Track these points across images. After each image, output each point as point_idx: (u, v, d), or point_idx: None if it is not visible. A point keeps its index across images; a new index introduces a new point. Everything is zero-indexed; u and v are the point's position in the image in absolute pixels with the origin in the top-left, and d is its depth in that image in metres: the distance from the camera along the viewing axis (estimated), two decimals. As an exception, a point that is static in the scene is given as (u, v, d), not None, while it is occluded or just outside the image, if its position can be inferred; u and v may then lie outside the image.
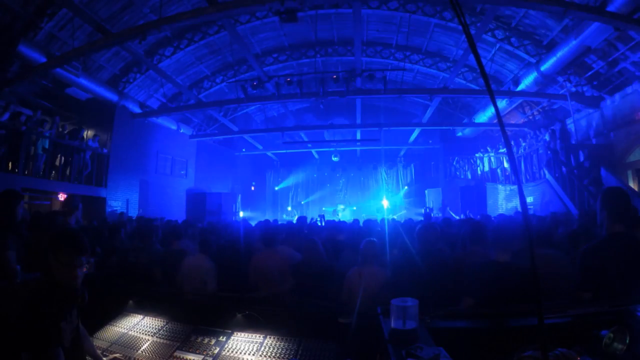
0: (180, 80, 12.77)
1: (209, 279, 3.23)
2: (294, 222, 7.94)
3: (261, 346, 1.86)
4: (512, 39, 10.42)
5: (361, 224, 5.83)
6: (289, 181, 21.98)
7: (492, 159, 14.53)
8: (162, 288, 3.26)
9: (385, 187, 21.21)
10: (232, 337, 1.95)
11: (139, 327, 2.17)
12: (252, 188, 21.06)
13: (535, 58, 10.25)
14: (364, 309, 1.94)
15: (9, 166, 7.99)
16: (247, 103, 12.28)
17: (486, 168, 14.89)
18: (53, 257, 1.59)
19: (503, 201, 12.50)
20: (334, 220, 7.63)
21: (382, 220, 6.16)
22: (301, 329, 1.92)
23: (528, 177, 11.77)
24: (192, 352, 1.88)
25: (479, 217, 7.01)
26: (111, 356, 1.89)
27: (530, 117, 13.69)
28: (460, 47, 11.71)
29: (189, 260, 3.39)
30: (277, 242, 3.73)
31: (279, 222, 8.27)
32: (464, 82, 13.24)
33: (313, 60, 13.00)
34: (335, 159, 19.38)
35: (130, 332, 2.13)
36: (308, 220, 7.43)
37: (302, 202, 20.40)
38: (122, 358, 1.90)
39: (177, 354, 1.89)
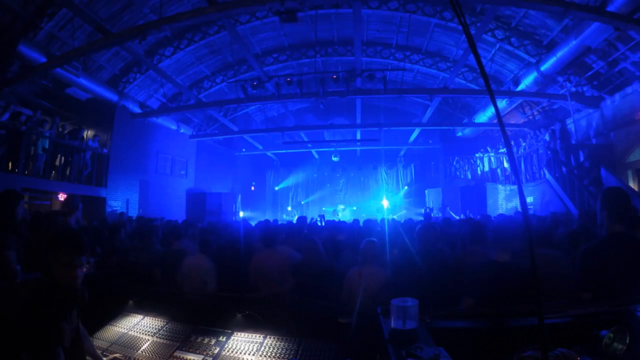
0: (180, 80, 12.77)
1: (209, 279, 3.23)
2: (294, 222, 7.95)
3: (261, 346, 1.86)
4: (512, 39, 10.42)
5: (361, 224, 5.83)
6: (289, 181, 21.98)
7: (492, 159, 14.53)
8: (162, 288, 3.26)
9: (385, 187, 21.20)
10: (232, 337, 1.95)
11: (139, 327, 2.16)
12: (252, 188, 21.06)
13: (535, 58, 10.25)
14: (364, 309, 1.94)
15: (9, 166, 7.99)
16: (247, 103, 12.28)
17: (486, 168, 14.89)
18: (53, 257, 1.59)
19: (503, 201, 12.50)
20: (334, 220, 7.63)
21: (382, 220, 6.16)
22: (301, 329, 1.92)
23: (528, 177, 11.76)
24: (192, 352, 1.88)
25: (479, 217, 7.01)
26: (111, 356, 1.89)
27: (530, 117, 13.69)
28: (460, 47, 11.71)
29: (189, 260, 3.39)
30: (277, 242, 3.73)
31: (279, 222, 8.26)
32: (464, 82, 13.24)
33: (313, 60, 13.00)
34: (335, 159, 19.36)
35: (130, 332, 2.13)
36: (308, 221, 7.43)
37: (302, 202, 20.38)
38: (122, 358, 1.89)
39: (177, 354, 1.88)
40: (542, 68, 9.59)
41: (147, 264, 3.41)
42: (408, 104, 17.21)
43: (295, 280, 3.22)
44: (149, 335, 2.08)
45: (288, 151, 18.54)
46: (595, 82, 10.16)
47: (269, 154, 19.91)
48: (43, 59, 7.85)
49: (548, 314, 1.45)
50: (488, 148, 14.73)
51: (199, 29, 11.20)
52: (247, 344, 1.89)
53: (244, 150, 19.14)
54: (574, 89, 10.55)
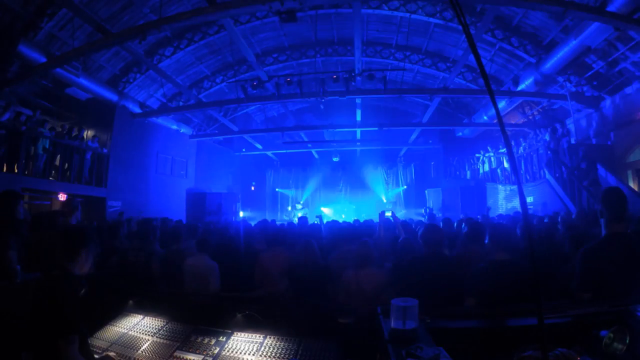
0: (180, 80, 12.78)
1: (212, 279, 3.24)
2: (294, 222, 7.95)
3: (261, 346, 1.86)
4: (512, 39, 10.42)
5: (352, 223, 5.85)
6: (289, 181, 21.98)
7: (492, 159, 14.53)
8: (162, 288, 3.26)
9: (386, 187, 21.20)
10: (232, 337, 1.95)
11: (139, 327, 2.16)
12: (252, 188, 21.06)
13: (535, 58, 10.25)
14: (363, 310, 1.94)
15: (9, 166, 7.99)
16: (247, 103, 12.28)
17: (486, 168, 14.89)
18: (79, 251, 1.76)
19: (503, 201, 12.50)
20: (336, 221, 7.62)
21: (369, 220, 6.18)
22: (301, 329, 1.92)
23: (528, 177, 11.76)
24: (192, 352, 1.88)
25: (479, 217, 7.01)
26: (104, 354, 1.89)
27: (530, 117, 13.69)
28: (460, 47, 11.71)
29: (190, 260, 3.39)
30: (282, 242, 3.74)
31: (278, 223, 8.25)
32: (463, 82, 13.25)
33: (313, 60, 13.01)
34: (336, 159, 19.38)
35: (130, 332, 2.13)
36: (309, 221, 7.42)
37: (301, 202, 20.35)
38: (116, 357, 1.89)
39: (177, 354, 1.88)
40: (542, 68, 9.59)
41: (147, 264, 3.41)
42: (408, 104, 17.22)
43: (290, 281, 3.22)
44: (149, 335, 2.08)
45: (288, 151, 18.54)
46: (595, 82, 10.16)
47: (269, 154, 19.90)
48: (43, 59, 7.85)
49: (548, 314, 1.45)
50: (488, 148, 14.73)
51: (199, 29, 11.20)
52: (247, 344, 1.89)
53: (244, 150, 19.14)
54: (574, 89, 10.56)
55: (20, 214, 3.11)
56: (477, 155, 15.67)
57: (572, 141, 10.16)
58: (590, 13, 6.45)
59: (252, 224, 6.59)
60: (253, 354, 1.82)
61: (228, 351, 1.86)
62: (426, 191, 17.00)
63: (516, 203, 10.96)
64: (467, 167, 16.69)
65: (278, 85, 10.64)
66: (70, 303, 1.59)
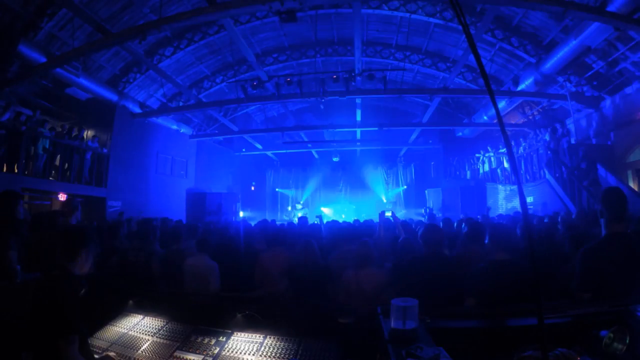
0: (180, 80, 12.78)
1: (212, 279, 3.24)
2: (294, 222, 7.95)
3: (261, 346, 1.86)
4: (512, 39, 10.42)
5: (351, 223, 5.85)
6: (289, 181, 21.98)
7: (492, 159, 14.53)
8: (162, 288, 3.26)
9: (385, 187, 21.20)
10: (232, 337, 1.95)
11: (139, 327, 2.16)
12: (252, 188, 21.06)
13: (535, 58, 10.25)
14: (363, 310, 1.94)
15: (9, 166, 7.99)
16: (247, 103, 12.28)
17: (486, 168, 14.88)
18: (79, 251, 1.76)
19: (503, 201, 12.50)
20: (336, 221, 7.62)
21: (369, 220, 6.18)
22: (301, 329, 1.92)
23: (528, 177, 11.76)
24: (192, 352, 1.88)
25: (479, 217, 7.01)
26: (104, 354, 1.89)
27: (530, 117, 13.69)
28: (460, 47, 11.71)
29: (190, 260, 3.39)
30: (282, 242, 3.74)
31: (278, 223, 8.25)
32: (463, 82, 13.25)
33: (313, 60, 13.01)
34: (336, 159, 19.37)
35: (130, 332, 2.13)
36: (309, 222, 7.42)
37: (301, 202, 20.35)
38: (116, 357, 1.89)
39: (177, 354, 1.88)
40: (542, 68, 9.59)
41: (147, 264, 3.41)
42: (408, 104, 17.22)
43: (290, 281, 3.23)
44: (149, 335, 2.08)
45: (288, 151, 18.54)
46: (595, 82, 10.16)
47: (269, 154, 19.91)
48: (43, 59, 7.85)
49: (548, 314, 1.45)
50: (488, 148, 14.73)
51: (199, 29, 11.20)
52: (247, 344, 1.89)
53: (243, 150, 19.14)
54: (574, 89, 10.56)
55: (20, 214, 3.11)
56: (477, 155, 15.67)
57: (572, 141, 10.16)
58: (590, 13, 6.45)
59: (252, 224, 6.59)
60: (253, 354, 1.82)
61: (228, 351, 1.86)
62: (426, 191, 17.00)
63: (516, 203, 10.96)
64: (467, 167, 16.69)
65: (278, 85, 10.64)
66: (70, 303, 1.59)
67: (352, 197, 20.98)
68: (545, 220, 5.82)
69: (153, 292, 2.72)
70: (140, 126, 12.19)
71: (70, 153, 9.55)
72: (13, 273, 2.65)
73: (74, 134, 10.12)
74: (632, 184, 9.01)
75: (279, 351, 1.81)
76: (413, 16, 10.71)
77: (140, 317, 2.27)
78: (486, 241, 2.42)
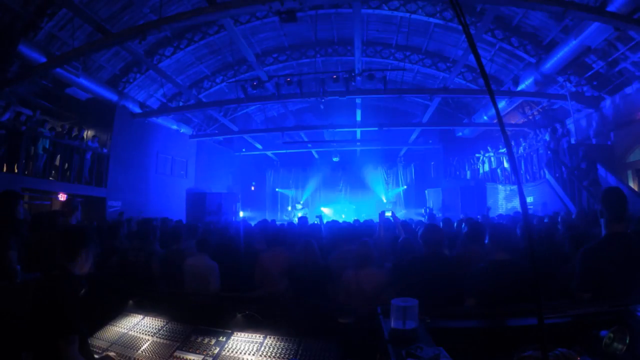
0: (180, 80, 12.78)
1: (212, 279, 3.24)
2: (294, 222, 7.95)
3: (261, 346, 1.86)
4: (512, 39, 10.42)
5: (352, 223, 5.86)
6: (289, 181, 21.98)
7: (492, 159, 14.53)
8: (162, 288, 3.26)
9: (385, 187, 21.21)
10: (232, 337, 1.95)
11: (139, 327, 2.16)
12: (252, 188, 21.06)
13: (535, 58, 10.25)
14: (363, 310, 1.94)
15: (9, 166, 7.99)
16: (247, 103, 12.28)
17: (486, 168, 14.89)
18: (79, 251, 1.76)
19: (503, 201, 12.50)
20: (336, 221, 7.63)
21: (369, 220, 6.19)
22: (301, 329, 1.92)
23: (528, 177, 11.77)
24: (192, 352, 1.88)
25: (479, 217, 7.01)
26: (104, 354, 1.89)
27: (530, 117, 13.69)
28: (460, 47, 11.71)
29: (190, 260, 3.40)
30: (282, 242, 3.74)
31: (278, 223, 8.25)
32: (463, 82, 13.25)
33: (313, 60, 13.01)
34: (336, 159, 19.37)
35: (130, 332, 2.13)
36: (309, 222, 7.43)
37: (301, 202, 20.35)
38: (116, 357, 1.89)
39: (177, 354, 1.88)
40: (542, 68, 9.59)
41: (147, 264, 3.41)
42: (408, 104, 17.22)
43: (290, 281, 3.23)
44: (149, 335, 2.08)
45: (288, 151, 18.54)
46: (595, 82, 10.16)
47: (269, 154, 19.91)
48: (43, 59, 7.85)
49: (548, 314, 1.45)
50: (488, 148, 14.73)
51: (199, 29, 11.20)
52: (247, 344, 1.89)
53: (243, 150, 19.14)
54: (574, 89, 10.56)
55: (20, 214, 3.11)
56: (477, 155, 15.68)
57: (572, 141, 10.16)
58: (590, 13, 6.45)
59: (252, 224, 6.59)
60: (253, 354, 1.82)
61: (228, 351, 1.86)
62: (426, 191, 17.01)
63: (516, 203, 10.96)
64: (467, 167, 16.69)
65: (278, 85, 10.64)
66: (70, 303, 1.59)
67: (352, 197, 20.98)
68: (545, 220, 5.82)
69: (153, 292, 2.72)
70: (140, 126, 12.19)
71: (70, 153, 9.56)
72: (13, 273, 2.65)
73: (74, 134, 10.12)
74: (632, 184, 9.01)
75: (279, 351, 1.81)
76: (413, 16, 10.71)
77: (140, 317, 2.27)
78: (486, 241, 2.42)
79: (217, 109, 13.51)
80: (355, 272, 2.91)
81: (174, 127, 14.02)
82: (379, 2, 10.49)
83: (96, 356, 1.83)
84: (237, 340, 1.93)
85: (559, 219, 5.37)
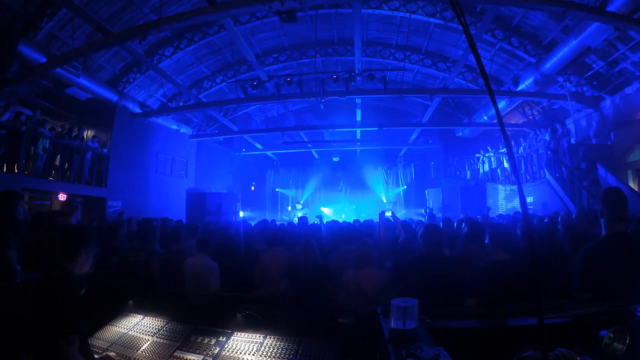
0: (180, 80, 12.78)
1: (212, 279, 3.24)
2: (294, 222, 7.95)
3: (261, 346, 1.86)
4: (512, 39, 10.42)
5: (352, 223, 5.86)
6: (289, 181, 21.99)
7: (492, 159, 14.53)
8: (162, 288, 3.26)
9: (385, 187, 21.21)
10: (232, 337, 1.95)
11: (139, 327, 2.17)
12: (252, 188, 21.06)
13: (535, 58, 10.25)
14: (363, 310, 1.94)
15: (9, 166, 7.99)
16: (247, 103, 12.28)
17: (486, 168, 14.89)
18: (79, 251, 1.76)
19: (503, 201, 12.50)
20: (336, 221, 7.63)
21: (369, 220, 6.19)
22: (301, 329, 1.92)
23: (528, 177, 11.77)
24: (192, 352, 1.89)
25: (479, 217, 7.01)
26: (104, 354, 1.89)
27: (530, 117, 13.69)
28: (460, 47, 11.71)
29: (190, 260, 3.40)
30: (282, 242, 3.74)
31: (278, 223, 8.26)
32: (463, 82, 13.25)
33: (313, 60, 13.01)
34: (336, 159, 19.37)
35: (130, 332, 2.13)
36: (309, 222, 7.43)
37: (301, 202, 20.35)
38: (116, 357, 1.89)
39: (177, 354, 1.89)
40: (542, 68, 9.59)
41: (147, 264, 3.41)
42: (408, 104, 17.22)
43: (290, 281, 3.23)
44: (149, 335, 2.08)
45: (288, 151, 18.54)
46: (595, 82, 10.16)
47: (269, 154, 19.91)
48: (43, 59, 7.85)
49: (548, 314, 1.45)
50: (488, 148, 14.74)
51: (199, 29, 11.20)
52: (247, 344, 1.89)
53: (243, 150, 19.14)
54: (574, 89, 10.56)
55: (20, 214, 3.11)
56: (477, 155, 15.68)
57: (572, 141, 10.16)
58: (590, 13, 6.45)
59: (252, 224, 6.59)
60: (253, 354, 1.82)
61: (228, 351, 1.86)
62: (426, 191, 17.01)
63: (516, 203, 10.96)
64: (467, 167, 16.69)
65: (278, 85, 10.64)
66: (70, 303, 1.59)
67: (352, 197, 20.98)
68: (545, 220, 5.82)
69: (153, 292, 2.72)
70: (140, 126, 12.19)
71: (70, 153, 9.55)
72: (13, 273, 2.65)
73: (74, 134, 10.13)
74: (632, 184, 9.01)
75: (279, 351, 1.81)
76: (413, 16, 10.71)
77: (140, 317, 2.27)
78: (486, 241, 2.42)
79: (217, 109, 13.51)
80: (355, 272, 2.91)
81: (174, 127, 14.02)
82: (379, 2, 10.49)
83: (96, 356, 1.83)
84: (237, 340, 1.93)
85: (559, 219, 5.37)
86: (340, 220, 7.42)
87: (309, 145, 17.99)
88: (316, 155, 20.01)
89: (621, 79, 9.48)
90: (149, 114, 12.21)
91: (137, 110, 11.87)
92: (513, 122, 14.37)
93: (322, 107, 12.02)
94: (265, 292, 3.32)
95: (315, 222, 7.48)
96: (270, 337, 1.91)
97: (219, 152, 18.00)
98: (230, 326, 2.02)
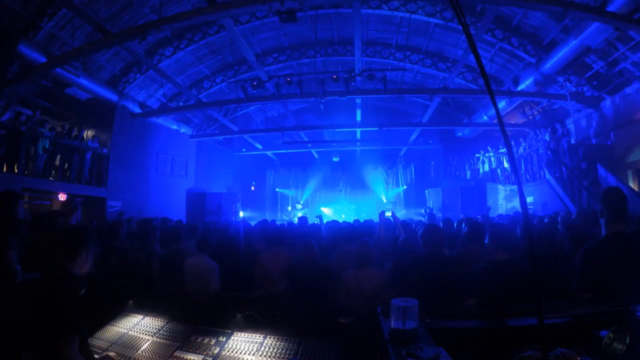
0: (180, 80, 12.78)
1: (212, 279, 3.24)
2: (294, 222, 7.94)
3: (261, 346, 1.86)
4: (512, 39, 10.42)
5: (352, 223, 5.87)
6: (289, 181, 21.99)
7: (492, 159, 14.53)
8: (162, 288, 3.26)
9: (385, 187, 21.21)
10: (232, 337, 1.95)
11: (139, 327, 2.17)
12: (252, 188, 21.06)
13: (535, 58, 10.25)
14: (363, 310, 1.94)
15: (9, 166, 7.99)
16: (247, 103, 12.28)
17: (486, 168, 14.89)
18: (79, 251, 1.76)
19: (503, 201, 12.50)
20: (336, 221, 7.63)
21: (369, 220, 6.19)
22: (301, 329, 1.92)
23: (528, 177, 11.77)
24: (192, 352, 1.89)
25: (479, 217, 7.01)
26: (104, 354, 1.89)
27: (530, 117, 13.69)
28: (460, 47, 11.71)
29: (190, 260, 3.40)
30: (282, 242, 3.74)
31: (278, 223, 8.25)
32: (463, 82, 13.25)
33: (313, 60, 13.01)
34: (336, 159, 19.37)
35: (130, 332, 2.13)
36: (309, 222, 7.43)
37: (301, 202, 20.35)
38: (116, 357, 1.89)
39: (177, 354, 1.89)
40: (542, 68, 9.59)
41: (147, 264, 3.41)
42: (408, 103, 17.22)
43: (289, 281, 3.23)
44: (149, 335, 2.08)
45: (288, 151, 18.54)
46: (595, 82, 10.16)
47: (269, 154, 19.91)
48: (43, 59, 7.85)
49: (548, 314, 1.45)
50: (488, 148, 14.74)
51: (199, 29, 11.20)
52: (247, 344, 1.89)
53: (243, 150, 19.14)
54: (574, 89, 10.56)
55: (20, 214, 3.11)
56: (477, 155, 15.68)
57: (572, 141, 10.16)
58: (590, 13, 6.45)
59: (252, 224, 6.59)
60: (253, 354, 1.82)
61: (228, 351, 1.86)
62: (426, 191, 17.01)
63: (516, 203, 10.96)
64: (467, 167, 16.69)
65: (278, 85, 10.64)
66: (70, 303, 1.59)
67: (352, 197, 20.98)
68: (545, 220, 5.82)
69: (153, 292, 2.72)
70: (140, 126, 12.19)
71: (70, 153, 9.55)
72: (13, 273, 2.65)
73: (74, 134, 10.13)
74: (632, 184, 9.01)
75: (279, 351, 1.81)
76: (413, 16, 10.71)
77: (140, 317, 2.27)
78: (486, 241, 2.42)
79: (217, 109, 13.51)
80: (355, 272, 2.91)
81: (174, 127, 14.02)
82: (379, 2, 10.49)
83: (96, 356, 1.83)
84: (237, 340, 1.93)
85: (559, 219, 5.37)
86: (340, 220, 7.42)
87: (309, 145, 17.99)
88: (316, 155, 20.01)
89: (621, 79, 9.48)
90: (149, 114, 12.21)
91: (137, 110, 11.87)
92: (513, 122, 14.37)
93: (322, 107, 12.02)
94: (265, 292, 3.32)
95: (315, 222, 7.48)
96: (270, 337, 1.91)
97: (219, 152, 18.00)
98: (230, 326, 2.02)
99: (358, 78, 10.57)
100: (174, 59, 11.77)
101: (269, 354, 1.81)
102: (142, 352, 1.95)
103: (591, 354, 1.21)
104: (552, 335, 1.34)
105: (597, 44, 8.10)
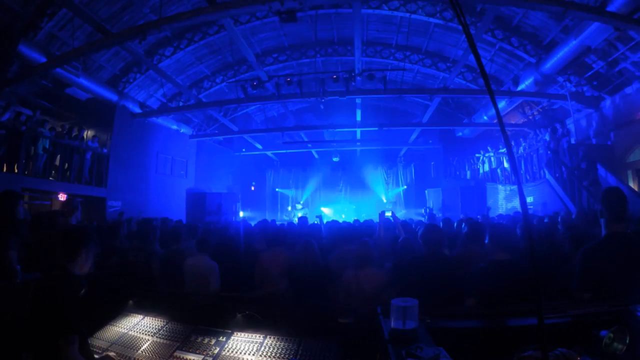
0: (180, 80, 12.78)
1: (212, 279, 3.24)
2: (294, 222, 7.94)
3: (261, 346, 1.86)
4: (512, 39, 10.42)
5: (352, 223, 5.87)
6: (289, 181, 21.99)
7: (492, 159, 14.53)
8: (162, 288, 3.26)
9: (385, 187, 21.21)
10: (232, 337, 1.95)
11: (139, 327, 2.17)
12: (252, 188, 21.06)
13: (535, 58, 10.25)
14: (363, 310, 1.94)
15: (9, 166, 7.99)
16: (247, 103, 12.28)
17: (486, 168, 14.89)
18: (79, 251, 1.76)
19: (503, 201, 12.50)
20: (336, 221, 7.63)
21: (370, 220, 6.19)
22: (301, 329, 1.92)
23: (528, 177, 11.77)
24: (192, 352, 1.89)
25: (479, 217, 7.01)
26: (104, 354, 1.89)
27: (530, 117, 13.69)
28: (460, 47, 11.71)
29: (190, 260, 3.40)
30: (282, 242, 3.74)
31: (278, 223, 8.25)
32: (463, 82, 13.25)
33: (313, 60, 13.01)
34: (336, 159, 19.37)
35: (130, 332, 2.13)
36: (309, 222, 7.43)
37: (301, 202, 20.35)
38: (116, 357, 1.90)
39: (177, 354, 1.89)
40: (542, 68, 9.59)
41: (147, 264, 3.41)
42: (408, 103, 17.22)
43: (290, 281, 3.23)
44: (149, 335, 2.08)
45: (288, 151, 18.55)
46: (595, 82, 10.16)
47: (269, 154, 19.91)
48: (43, 59, 7.85)
49: (548, 314, 1.45)
50: (488, 148, 14.74)
51: (199, 29, 11.21)
52: (247, 344, 1.89)
53: (243, 150, 19.14)
54: (574, 89, 10.56)
55: (20, 214, 3.11)
56: (477, 155, 15.68)
57: (572, 141, 10.16)
58: (590, 13, 6.45)
59: (252, 224, 6.59)
60: (253, 354, 1.82)
61: (228, 351, 1.86)
62: (426, 191, 17.01)
63: (516, 203, 10.96)
64: (467, 167, 16.69)
65: (278, 85, 10.64)
66: (70, 303, 1.59)
67: (352, 197, 20.98)
68: (545, 220, 5.82)
69: (153, 292, 2.72)
70: (140, 126, 12.19)
71: (70, 153, 9.55)
72: (13, 273, 2.65)
73: (74, 134, 10.13)
74: (632, 184, 9.01)
75: (279, 351, 1.81)
76: (413, 16, 10.71)
77: (140, 317, 2.27)
78: (486, 241, 2.42)
79: (217, 109, 13.51)
80: (355, 272, 2.91)
81: (174, 127, 14.02)
82: (379, 2, 10.49)
83: (96, 356, 1.83)
84: (237, 340, 1.93)
85: (559, 219, 5.37)
86: (340, 220, 7.42)
87: (309, 145, 17.99)
88: (316, 155, 20.01)
89: (621, 79, 9.48)
90: (149, 114, 12.21)
91: (137, 110, 11.87)
92: (513, 122, 14.37)
93: (322, 107, 12.02)
94: (265, 292, 3.32)
95: (315, 222, 7.48)
96: (270, 337, 1.91)
97: (219, 152, 18.01)
98: (230, 326, 2.02)
99: (358, 78, 10.57)
100: (174, 59, 11.77)
101: (269, 354, 1.81)
102: (142, 352, 1.95)
103: (591, 354, 1.21)
104: (552, 335, 1.34)
105: (597, 44, 8.10)
